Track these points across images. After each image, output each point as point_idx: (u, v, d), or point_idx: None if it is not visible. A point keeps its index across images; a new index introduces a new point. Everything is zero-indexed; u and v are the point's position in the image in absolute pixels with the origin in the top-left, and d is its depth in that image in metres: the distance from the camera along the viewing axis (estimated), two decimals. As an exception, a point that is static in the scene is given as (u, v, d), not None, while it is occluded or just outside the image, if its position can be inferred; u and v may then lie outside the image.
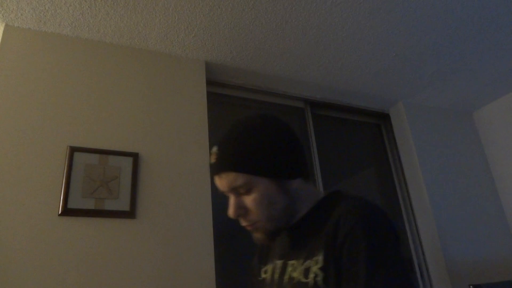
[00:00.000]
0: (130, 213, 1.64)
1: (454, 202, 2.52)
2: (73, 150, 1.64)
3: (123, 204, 1.64)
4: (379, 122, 2.86)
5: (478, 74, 2.43)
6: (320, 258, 0.70)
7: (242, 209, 0.77)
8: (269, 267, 0.88)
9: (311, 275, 0.70)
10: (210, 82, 2.16)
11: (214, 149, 0.78)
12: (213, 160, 0.77)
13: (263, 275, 0.89)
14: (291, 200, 0.79)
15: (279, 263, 0.83)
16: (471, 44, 2.12)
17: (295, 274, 0.75)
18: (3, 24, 1.73)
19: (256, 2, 1.72)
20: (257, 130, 0.78)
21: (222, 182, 0.76)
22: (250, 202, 0.76)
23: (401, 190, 2.64)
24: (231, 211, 0.77)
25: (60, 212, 1.53)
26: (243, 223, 0.79)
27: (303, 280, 0.71)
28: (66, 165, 1.60)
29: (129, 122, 1.80)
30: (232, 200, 0.77)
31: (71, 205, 1.56)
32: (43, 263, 1.44)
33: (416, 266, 2.42)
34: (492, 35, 2.06)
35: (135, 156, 1.73)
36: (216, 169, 0.77)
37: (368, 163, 2.73)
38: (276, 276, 0.82)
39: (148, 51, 1.99)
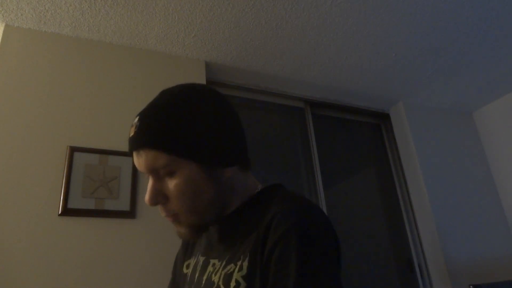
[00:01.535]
0: (130, 213, 1.64)
1: (454, 202, 2.52)
2: (73, 150, 1.64)
3: (123, 204, 1.64)
4: (379, 122, 2.86)
5: (478, 74, 2.43)
6: (244, 264, 0.59)
7: (161, 196, 0.63)
8: (192, 262, 0.76)
9: (232, 284, 0.58)
10: (210, 82, 2.16)
11: (135, 120, 0.64)
12: (132, 133, 0.63)
13: (185, 270, 0.77)
14: (221, 191, 0.65)
15: (201, 259, 0.72)
16: (471, 44, 2.12)
17: (214, 278, 0.63)
18: (3, 24, 1.73)
19: (256, 2, 1.72)
20: (188, 102, 0.64)
21: (140, 161, 0.62)
22: (172, 189, 0.62)
23: (401, 190, 2.64)
24: (147, 197, 0.63)
25: (60, 212, 1.53)
26: (162, 213, 0.65)
27: (222, 287, 0.60)
28: (66, 165, 1.60)
29: (129, 122, 1.80)
30: (150, 183, 0.63)
31: (71, 205, 1.56)
32: (43, 263, 1.44)
33: (416, 266, 2.42)
34: (492, 35, 2.06)
35: (135, 156, 1.73)
36: (134, 144, 0.62)
37: (368, 163, 2.73)
38: (197, 274, 0.70)
39: (148, 51, 1.99)
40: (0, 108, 1.60)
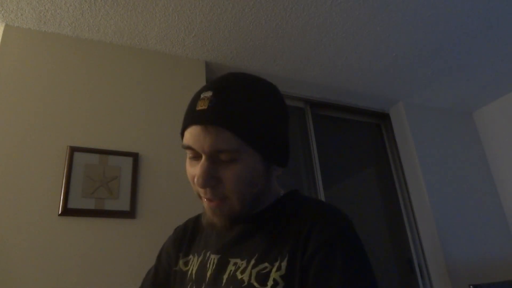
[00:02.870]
0: (130, 213, 1.64)
1: (454, 202, 2.52)
2: (73, 150, 1.64)
3: (123, 204, 1.64)
4: (379, 122, 2.86)
5: (478, 74, 2.43)
6: (283, 264, 0.59)
7: (214, 180, 0.60)
8: (193, 259, 0.74)
9: (270, 282, 0.58)
10: (210, 82, 2.16)
11: (207, 93, 0.60)
12: (203, 106, 0.59)
13: (183, 267, 0.75)
14: (266, 188, 0.66)
15: (214, 257, 0.69)
16: (471, 44, 2.12)
17: (242, 276, 0.62)
18: (3, 24, 1.73)
19: (256, 2, 1.72)
20: (267, 94, 0.64)
21: (206, 137, 0.58)
22: (229, 174, 0.60)
23: (401, 190, 2.64)
24: (201, 179, 0.59)
25: (60, 212, 1.53)
26: (207, 195, 0.62)
27: (257, 285, 0.59)
28: (66, 165, 1.60)
29: (129, 122, 1.80)
30: (204, 166, 0.60)
31: (71, 205, 1.56)
32: (43, 263, 1.45)
33: (416, 266, 2.42)
34: (492, 35, 2.05)
35: (135, 156, 1.73)
36: (206, 118, 0.58)
37: (368, 163, 2.73)
38: (209, 272, 0.68)
39: (148, 51, 1.99)
40: (0, 108, 1.60)
